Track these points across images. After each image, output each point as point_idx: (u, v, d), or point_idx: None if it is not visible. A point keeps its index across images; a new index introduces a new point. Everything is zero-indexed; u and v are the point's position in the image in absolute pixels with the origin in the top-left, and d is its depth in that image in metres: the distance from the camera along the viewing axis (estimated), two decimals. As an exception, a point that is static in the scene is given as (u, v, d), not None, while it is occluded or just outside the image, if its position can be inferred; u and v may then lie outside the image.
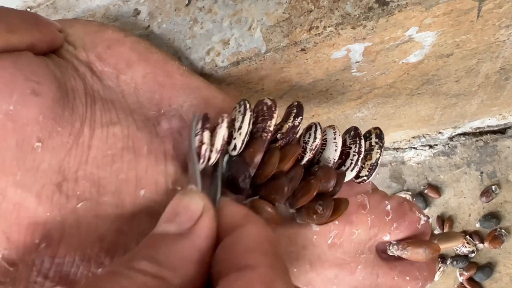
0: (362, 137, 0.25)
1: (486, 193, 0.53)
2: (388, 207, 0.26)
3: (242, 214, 0.17)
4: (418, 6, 0.23)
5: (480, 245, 0.54)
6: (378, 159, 0.26)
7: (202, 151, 0.21)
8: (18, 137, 0.18)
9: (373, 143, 0.26)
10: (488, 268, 0.54)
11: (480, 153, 0.54)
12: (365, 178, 0.26)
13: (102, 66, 0.22)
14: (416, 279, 0.26)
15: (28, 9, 0.27)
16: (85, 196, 0.19)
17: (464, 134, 0.54)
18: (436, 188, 0.56)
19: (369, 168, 0.26)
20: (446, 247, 0.28)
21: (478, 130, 0.53)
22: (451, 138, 0.55)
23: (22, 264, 0.18)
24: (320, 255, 0.25)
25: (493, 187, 0.53)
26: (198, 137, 0.21)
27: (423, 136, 0.55)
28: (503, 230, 0.53)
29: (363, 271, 0.26)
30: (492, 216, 0.53)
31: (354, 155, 0.25)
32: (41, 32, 0.21)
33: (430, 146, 0.56)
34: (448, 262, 0.56)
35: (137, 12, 0.26)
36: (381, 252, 0.27)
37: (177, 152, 0.22)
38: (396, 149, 0.58)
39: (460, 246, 0.54)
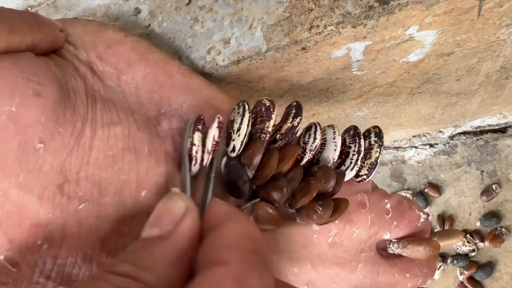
0: (361, 136, 0.25)
1: (487, 192, 0.53)
2: (388, 206, 0.27)
3: (226, 213, 0.17)
4: (419, 5, 0.23)
5: (481, 244, 0.54)
6: (377, 158, 0.26)
7: (193, 153, 0.21)
8: (20, 138, 0.18)
9: (373, 142, 0.26)
10: (489, 267, 0.54)
11: (481, 152, 0.54)
12: (364, 177, 0.26)
13: (103, 66, 0.22)
14: (416, 276, 0.27)
15: (29, 8, 0.27)
16: (87, 197, 0.19)
17: (464, 133, 0.54)
18: (437, 187, 0.57)
19: (368, 167, 0.26)
20: (445, 244, 0.28)
21: (478, 129, 0.53)
22: (451, 137, 0.55)
23: (24, 265, 0.18)
24: (320, 254, 0.25)
25: (493, 186, 0.53)
26: (189, 139, 0.21)
27: (424, 135, 0.55)
28: (503, 229, 0.53)
29: (363, 270, 0.26)
30: (493, 215, 0.53)
31: (353, 155, 0.25)
32: (42, 32, 0.21)
33: (431, 145, 0.56)
34: (449, 261, 0.56)
35: (137, 11, 0.26)
36: (381, 250, 0.27)
37: (177, 152, 0.22)
38: (397, 148, 0.58)
39: (461, 245, 0.54)
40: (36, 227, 0.18)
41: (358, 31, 0.24)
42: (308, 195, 0.23)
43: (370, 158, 0.26)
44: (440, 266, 0.56)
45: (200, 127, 0.22)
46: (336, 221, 0.24)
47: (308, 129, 0.25)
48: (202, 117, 0.22)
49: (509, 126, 0.52)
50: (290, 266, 0.24)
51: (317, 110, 0.37)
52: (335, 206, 0.24)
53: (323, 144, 0.25)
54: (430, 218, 0.28)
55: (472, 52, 0.31)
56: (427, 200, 0.57)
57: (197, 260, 0.16)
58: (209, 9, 0.25)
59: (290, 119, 0.24)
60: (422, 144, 0.56)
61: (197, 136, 0.21)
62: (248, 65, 0.26)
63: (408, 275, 0.26)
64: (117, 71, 0.23)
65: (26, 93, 0.18)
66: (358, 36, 0.25)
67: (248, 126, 0.22)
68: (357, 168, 0.25)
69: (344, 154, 0.25)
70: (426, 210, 0.57)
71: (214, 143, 0.21)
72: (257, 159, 0.22)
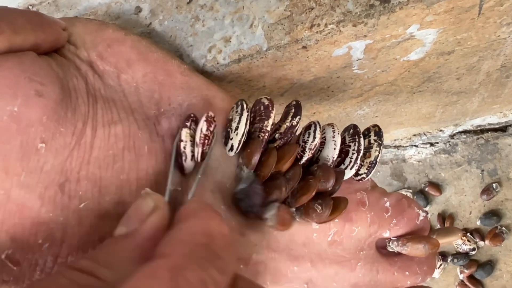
0: (361, 135, 0.25)
1: (487, 191, 0.53)
2: (387, 204, 0.27)
3: (196, 210, 0.17)
4: (419, 3, 0.23)
5: (481, 243, 0.54)
6: (377, 157, 0.26)
7: (181, 149, 0.21)
8: (22, 138, 0.18)
9: (372, 141, 0.26)
10: (489, 265, 0.54)
11: (481, 151, 0.54)
12: (364, 176, 0.26)
13: (103, 65, 0.22)
14: (416, 274, 0.27)
15: (30, 7, 0.27)
16: (87, 197, 0.19)
17: (465, 132, 0.54)
18: (437, 186, 0.57)
19: (368, 166, 0.26)
20: (445, 242, 0.28)
21: (479, 128, 0.53)
22: (452, 136, 0.55)
23: (26, 263, 0.18)
24: (320, 253, 0.25)
25: (494, 185, 0.53)
26: (178, 136, 0.22)
27: (424, 134, 0.55)
28: (503, 228, 0.53)
29: (363, 268, 0.26)
30: (493, 214, 0.53)
31: (353, 153, 0.25)
32: (45, 32, 0.21)
33: (431, 144, 0.56)
34: (449, 259, 0.56)
35: (138, 10, 0.26)
36: (381, 248, 0.27)
37: None
38: (397, 147, 0.58)
39: (461, 244, 0.54)
40: (37, 226, 0.18)
41: (359, 29, 0.24)
42: (307, 194, 0.23)
43: (369, 157, 0.26)
44: (441, 265, 0.56)
45: (188, 124, 0.22)
46: (336, 220, 0.24)
47: (307, 128, 0.25)
48: (192, 115, 0.22)
49: (510, 125, 0.52)
50: (290, 264, 0.24)
51: (318, 108, 0.37)
52: (334, 205, 0.24)
53: (322, 143, 0.25)
54: (429, 216, 0.28)
55: (472, 51, 0.31)
56: (427, 199, 0.57)
57: None
58: (210, 7, 0.25)
59: (289, 119, 0.24)
60: (423, 143, 0.56)
61: (185, 133, 0.21)
62: (249, 63, 0.26)
63: (407, 273, 0.27)
64: (117, 70, 0.23)
65: (28, 93, 0.18)
66: (358, 34, 0.25)
67: (246, 125, 0.22)
68: (357, 167, 0.25)
69: (343, 153, 0.25)
70: (427, 209, 0.57)
71: (203, 136, 0.21)
72: (256, 158, 0.22)
